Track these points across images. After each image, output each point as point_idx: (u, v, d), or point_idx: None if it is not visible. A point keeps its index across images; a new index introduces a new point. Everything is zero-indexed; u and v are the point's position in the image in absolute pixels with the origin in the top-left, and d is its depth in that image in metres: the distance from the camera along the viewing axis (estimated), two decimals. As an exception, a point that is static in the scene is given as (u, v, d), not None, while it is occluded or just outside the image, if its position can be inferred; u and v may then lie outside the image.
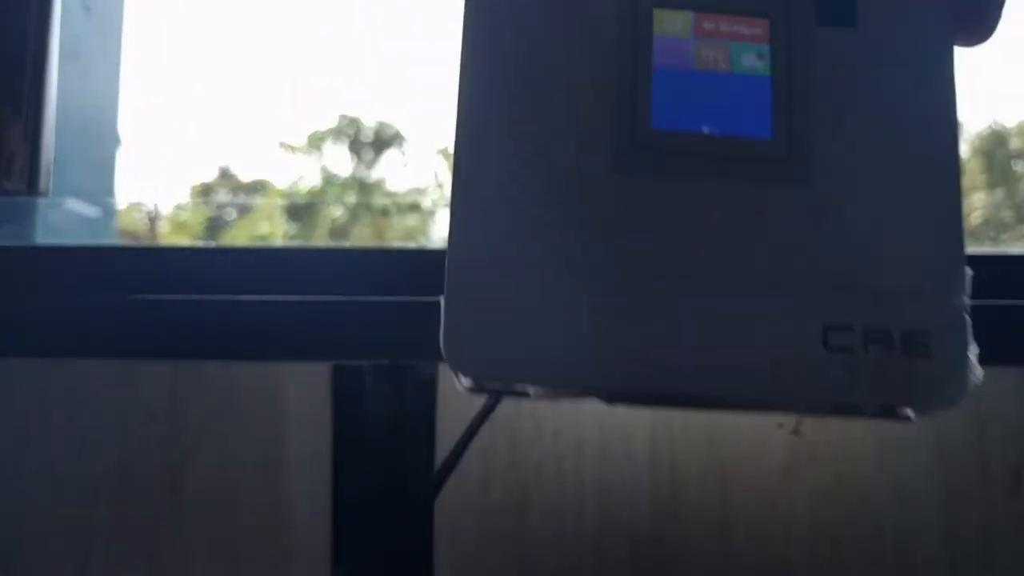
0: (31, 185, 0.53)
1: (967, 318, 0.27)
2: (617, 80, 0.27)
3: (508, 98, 0.27)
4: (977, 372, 0.27)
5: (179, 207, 0.78)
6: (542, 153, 0.27)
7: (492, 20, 0.27)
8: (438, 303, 0.48)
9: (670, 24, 0.27)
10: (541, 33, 0.27)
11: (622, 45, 0.27)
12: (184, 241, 0.76)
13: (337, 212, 0.78)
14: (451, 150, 0.27)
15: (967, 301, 0.27)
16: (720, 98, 0.27)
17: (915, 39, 0.28)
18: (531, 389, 0.27)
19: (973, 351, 0.27)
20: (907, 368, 0.26)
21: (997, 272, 0.59)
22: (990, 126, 0.75)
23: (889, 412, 0.27)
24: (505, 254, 0.26)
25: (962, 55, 0.28)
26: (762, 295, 0.26)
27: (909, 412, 0.27)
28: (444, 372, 0.52)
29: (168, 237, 0.76)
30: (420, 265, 0.52)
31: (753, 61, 0.27)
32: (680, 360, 0.26)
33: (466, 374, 0.27)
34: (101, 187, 0.72)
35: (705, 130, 0.27)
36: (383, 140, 0.79)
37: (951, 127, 0.27)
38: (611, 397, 0.28)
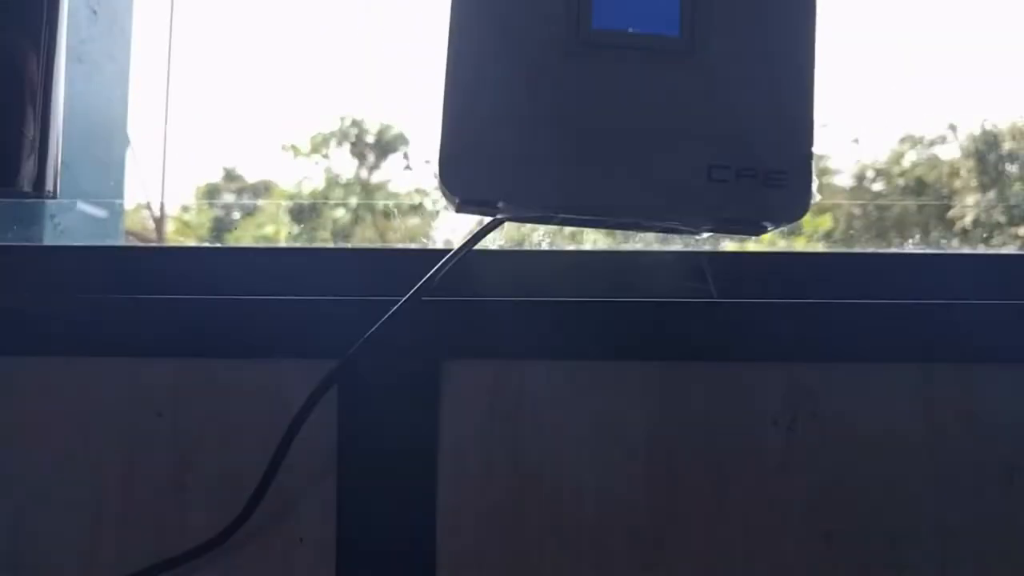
0: (38, 187, 0.53)
1: (811, 162, 0.39)
2: None
3: (490, 6, 0.38)
4: (816, 197, 0.39)
5: (185, 208, 0.79)
6: (514, 43, 0.38)
7: None
8: (442, 303, 0.51)
9: None
10: None
11: None
12: (190, 242, 0.77)
13: (339, 213, 0.79)
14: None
15: (812, 150, 0.39)
16: (643, 8, 0.38)
17: None
18: (501, 205, 0.39)
19: (814, 184, 0.39)
20: (766, 196, 0.38)
21: (990, 273, 0.60)
22: (982, 126, 0.76)
23: (754, 226, 0.41)
24: (487, 110, 0.38)
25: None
26: (667, 142, 0.38)
27: (768, 225, 0.40)
28: (446, 370, 0.53)
29: (174, 238, 0.77)
30: (423, 266, 0.52)
31: None
32: (607, 187, 0.38)
33: (456, 194, 0.38)
34: (109, 188, 0.73)
35: (631, 30, 0.38)
36: (386, 142, 0.80)
37: (809, 29, 0.39)
38: (561, 212, 0.40)
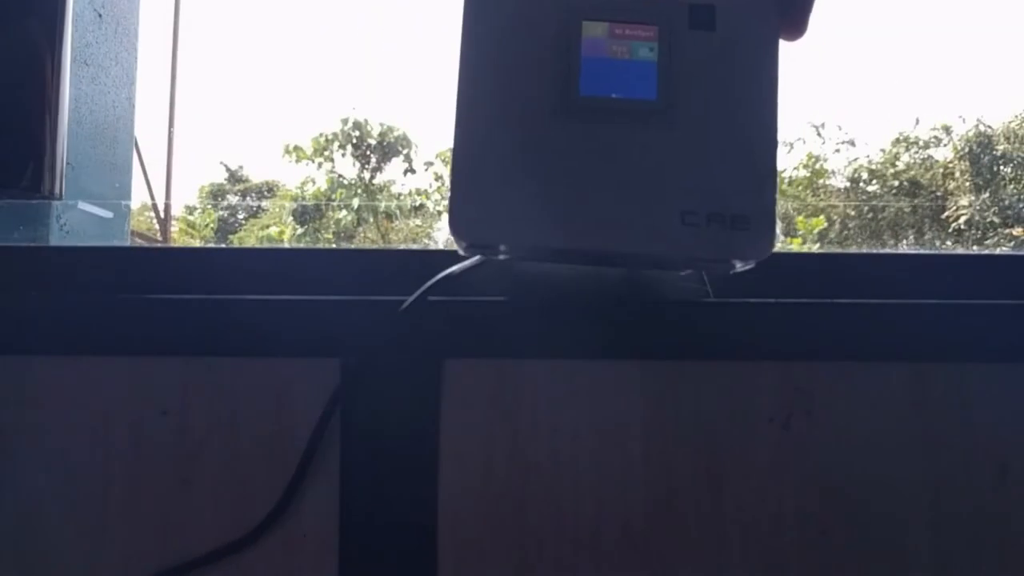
0: (43, 188, 0.54)
1: (774, 207, 0.43)
2: (559, 65, 0.44)
3: (493, 76, 0.44)
4: (779, 239, 0.45)
5: (189, 209, 0.80)
6: (512, 110, 0.43)
7: (484, 28, 0.44)
8: (443, 303, 0.52)
9: (593, 30, 0.44)
10: (513, 35, 0.44)
11: (562, 42, 0.44)
12: (195, 242, 0.77)
13: (341, 214, 0.80)
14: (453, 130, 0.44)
15: (774, 197, 0.43)
16: (624, 77, 0.43)
17: (754, 38, 0.44)
18: (503, 248, 0.44)
19: (777, 227, 0.43)
20: (733, 238, 0.42)
21: (983, 273, 0.60)
22: (976, 125, 0.76)
23: (723, 265, 0.44)
24: (490, 168, 0.43)
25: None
26: (646, 192, 0.43)
27: (736, 264, 0.44)
28: (447, 368, 0.53)
29: (179, 238, 0.77)
30: (426, 266, 0.53)
31: (646, 52, 0.43)
32: (592, 232, 0.43)
33: (464, 240, 0.43)
34: (115, 190, 0.74)
35: (614, 95, 0.43)
36: (388, 144, 0.80)
37: (772, 92, 0.44)
38: (554, 253, 0.45)
